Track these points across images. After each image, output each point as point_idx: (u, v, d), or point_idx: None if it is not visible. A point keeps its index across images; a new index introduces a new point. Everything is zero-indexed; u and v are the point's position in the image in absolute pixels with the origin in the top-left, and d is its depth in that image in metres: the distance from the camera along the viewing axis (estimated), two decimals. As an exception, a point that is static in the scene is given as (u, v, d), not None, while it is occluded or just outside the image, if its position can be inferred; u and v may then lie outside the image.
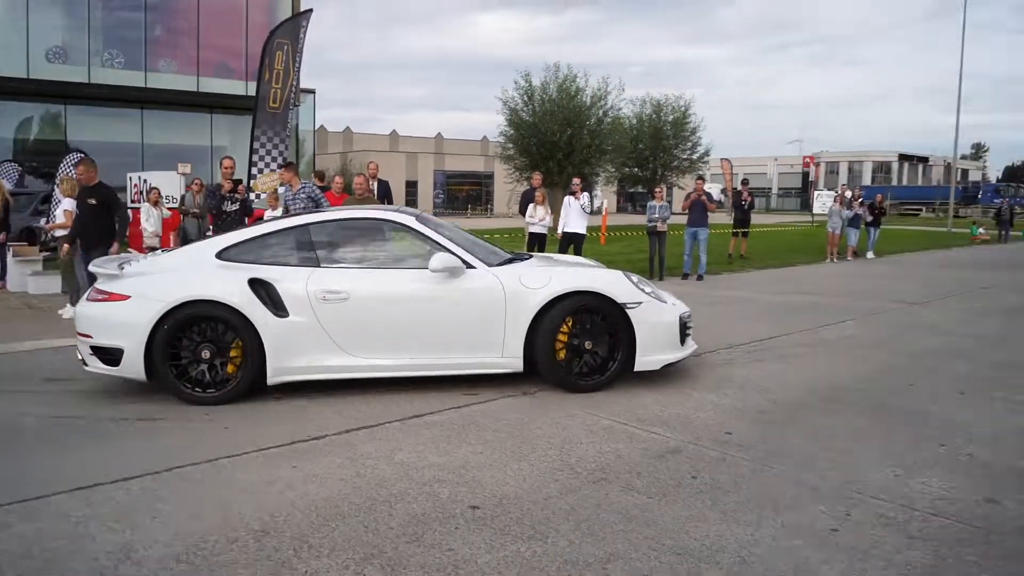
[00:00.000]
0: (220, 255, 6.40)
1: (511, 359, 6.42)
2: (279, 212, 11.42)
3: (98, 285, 6.37)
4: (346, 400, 6.14)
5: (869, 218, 21.92)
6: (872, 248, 21.90)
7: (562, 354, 6.43)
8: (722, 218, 28.08)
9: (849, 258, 20.91)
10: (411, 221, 6.76)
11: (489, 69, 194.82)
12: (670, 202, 19.48)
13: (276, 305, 6.12)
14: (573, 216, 13.65)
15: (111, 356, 6.09)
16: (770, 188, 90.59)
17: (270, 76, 13.49)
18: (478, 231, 27.66)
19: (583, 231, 13.78)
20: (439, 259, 6.31)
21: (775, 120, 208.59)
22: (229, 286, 6.09)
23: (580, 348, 6.48)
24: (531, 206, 13.44)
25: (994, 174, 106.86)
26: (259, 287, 6.13)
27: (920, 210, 67.49)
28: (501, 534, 3.78)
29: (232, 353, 6.09)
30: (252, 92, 15.90)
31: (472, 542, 3.68)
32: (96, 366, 6.22)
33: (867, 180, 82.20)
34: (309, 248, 6.51)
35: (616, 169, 39.60)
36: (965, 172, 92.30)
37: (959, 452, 5.14)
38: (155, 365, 6.01)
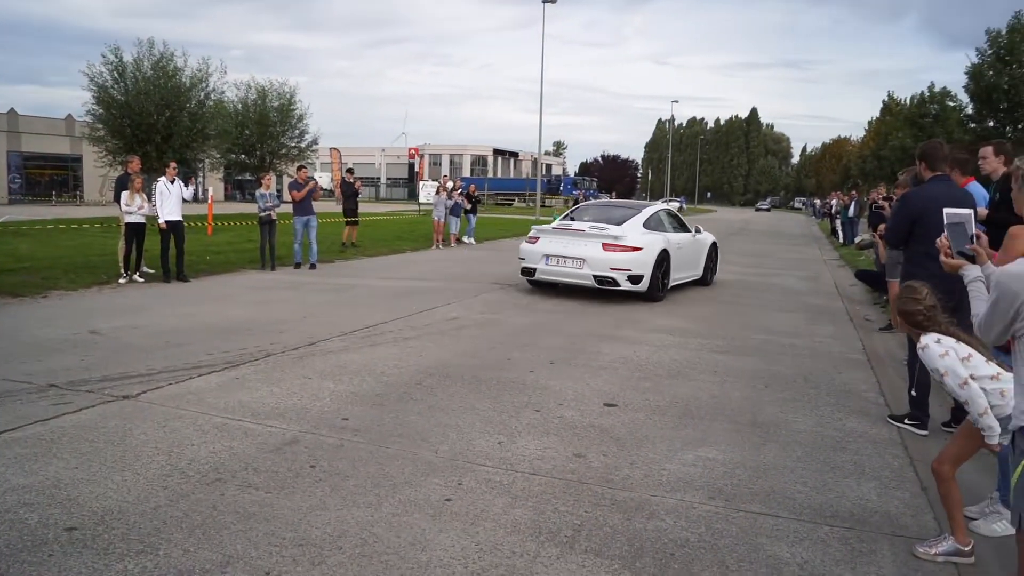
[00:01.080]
0: (643, 226, 12.09)
1: (699, 272, 13.72)
2: None
3: (611, 241, 11.44)
4: None
5: (468, 206, 23.53)
6: (471, 234, 23.54)
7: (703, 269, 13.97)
8: (331, 207, 28.21)
9: (453, 244, 22.24)
10: (675, 211, 14.50)
11: (73, 40, 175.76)
12: (280, 190, 19.04)
13: (672, 250, 12.15)
14: (173, 203, 12.74)
15: (638, 279, 11.40)
16: (379, 178, 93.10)
17: None
18: (68, 220, 24.50)
19: (181, 218, 12.90)
20: (698, 228, 14.00)
21: (380, 112, 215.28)
22: (664, 243, 12.00)
23: (710, 267, 14.23)
24: (126, 194, 12.32)
25: (572, 168, 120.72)
26: (668, 242, 12.13)
27: (514, 200, 73.97)
28: (104, 554, 3.43)
29: (658, 274, 11.78)
30: None
31: (70, 568, 3.30)
32: (627, 286, 11.40)
33: (467, 172, 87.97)
34: (659, 222, 12.67)
35: (221, 155, 37.83)
36: (549, 167, 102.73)
37: (551, 415, 5.74)
38: (653, 283, 11.58)
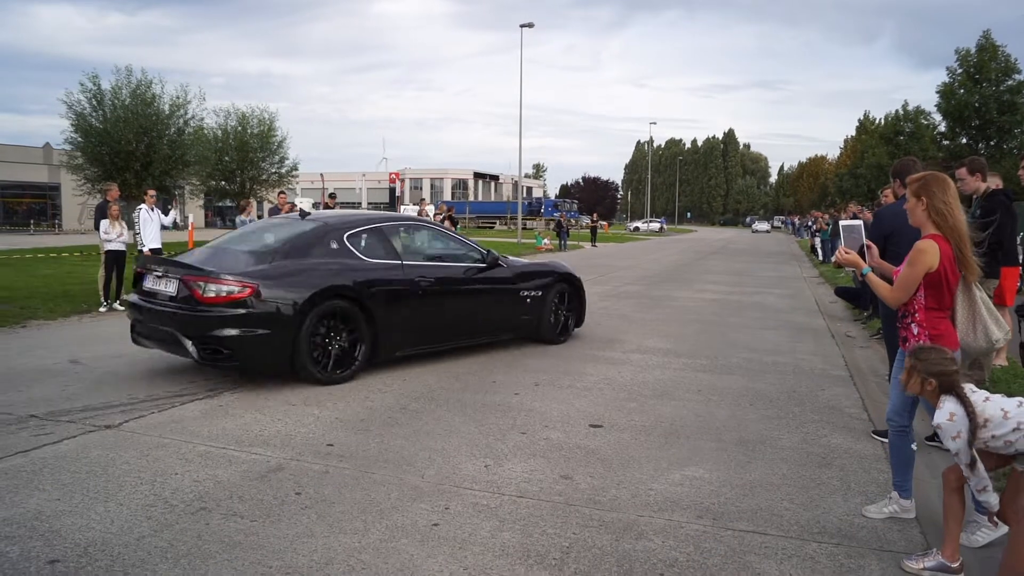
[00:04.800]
0: (772, 224, 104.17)
1: None
2: None
3: (768, 226, 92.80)
4: None
5: (453, 230, 23.62)
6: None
7: None
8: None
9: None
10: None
11: (51, 68, 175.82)
12: (260, 216, 18.96)
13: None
14: (153, 230, 12.74)
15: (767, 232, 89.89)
16: (360, 203, 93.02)
17: None
18: (47, 249, 24.18)
19: (160, 246, 12.92)
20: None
21: (361, 137, 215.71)
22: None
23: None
24: (106, 221, 12.27)
25: (552, 191, 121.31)
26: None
27: (495, 223, 74.24)
28: (87, 586, 3.38)
29: None
30: None
31: (51, 601, 3.25)
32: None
33: (447, 195, 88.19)
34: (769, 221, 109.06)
35: (201, 182, 37.71)
36: (530, 189, 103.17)
37: (537, 437, 5.73)
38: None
